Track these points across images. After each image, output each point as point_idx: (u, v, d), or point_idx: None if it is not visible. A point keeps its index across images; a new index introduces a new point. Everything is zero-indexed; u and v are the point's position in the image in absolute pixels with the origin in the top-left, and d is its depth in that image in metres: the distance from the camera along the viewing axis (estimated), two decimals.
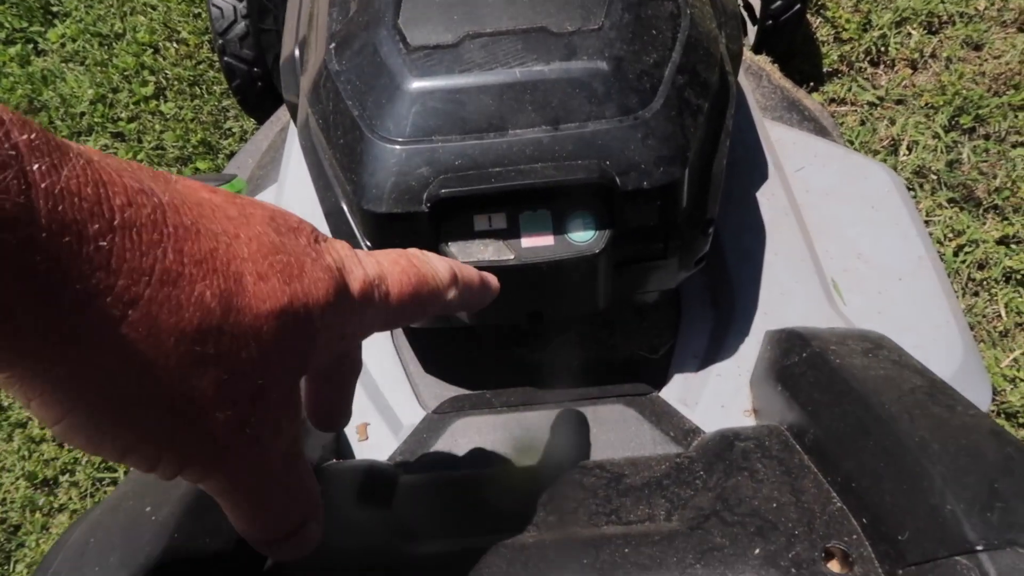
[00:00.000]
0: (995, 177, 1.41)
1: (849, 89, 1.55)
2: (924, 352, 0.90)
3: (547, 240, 0.68)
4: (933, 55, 1.57)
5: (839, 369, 0.67)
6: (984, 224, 1.39)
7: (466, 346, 0.90)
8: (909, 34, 1.59)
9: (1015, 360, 1.27)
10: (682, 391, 0.86)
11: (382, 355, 0.90)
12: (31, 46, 1.74)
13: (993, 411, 1.23)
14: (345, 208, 0.72)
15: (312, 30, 0.83)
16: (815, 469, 0.63)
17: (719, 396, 0.85)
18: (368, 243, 0.70)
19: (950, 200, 1.40)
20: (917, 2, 1.61)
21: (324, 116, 0.72)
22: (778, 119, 1.25)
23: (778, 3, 1.37)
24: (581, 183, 0.64)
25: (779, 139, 1.10)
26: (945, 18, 1.60)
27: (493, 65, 0.66)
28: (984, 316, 1.32)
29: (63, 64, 1.70)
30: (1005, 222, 1.38)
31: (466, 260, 0.67)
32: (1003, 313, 1.31)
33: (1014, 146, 1.45)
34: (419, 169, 0.65)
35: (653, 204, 0.67)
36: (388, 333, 0.91)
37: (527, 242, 0.68)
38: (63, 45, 1.73)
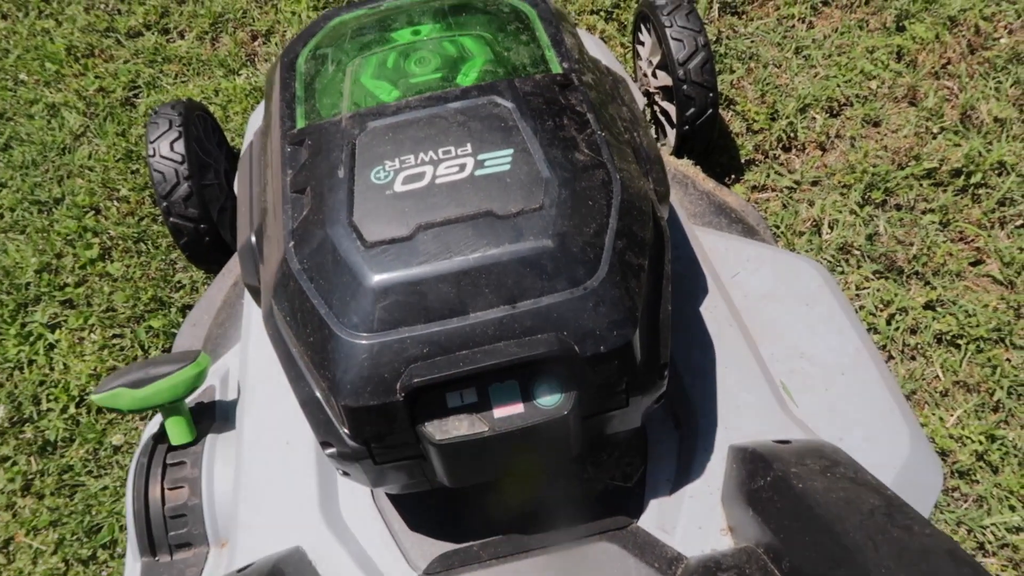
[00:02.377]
0: (911, 245, 1.52)
1: (767, 176, 1.65)
2: (875, 444, 0.96)
3: (517, 408, 0.72)
4: (838, 135, 1.69)
5: (803, 495, 0.72)
6: (909, 291, 1.48)
7: (447, 501, 0.92)
8: (814, 119, 1.72)
9: (959, 419, 1.35)
10: (659, 517, 0.89)
11: (366, 517, 0.91)
12: None
13: (946, 472, 1.30)
14: (320, 398, 0.75)
15: (268, 221, 0.87)
16: None
17: (695, 518, 0.88)
18: (347, 431, 0.73)
19: (875, 272, 1.50)
20: (815, 88, 1.74)
21: (291, 313, 0.75)
22: (708, 224, 1.33)
23: (692, 110, 1.48)
24: (543, 356, 0.69)
25: (712, 247, 1.17)
26: (843, 101, 1.73)
27: (448, 254, 0.71)
28: (923, 379, 1.40)
29: (3, 236, 1.70)
30: (928, 287, 1.48)
31: (442, 438, 0.71)
32: (940, 374, 1.40)
33: (923, 213, 1.56)
34: (390, 361, 0.69)
35: (612, 364, 0.72)
36: (370, 495, 0.93)
37: (499, 412, 0.72)
38: (1, 216, 1.73)
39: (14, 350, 1.53)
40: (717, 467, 0.91)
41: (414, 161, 0.77)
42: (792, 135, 1.70)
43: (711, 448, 0.92)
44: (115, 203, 1.73)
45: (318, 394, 0.75)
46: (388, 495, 0.92)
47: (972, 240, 1.52)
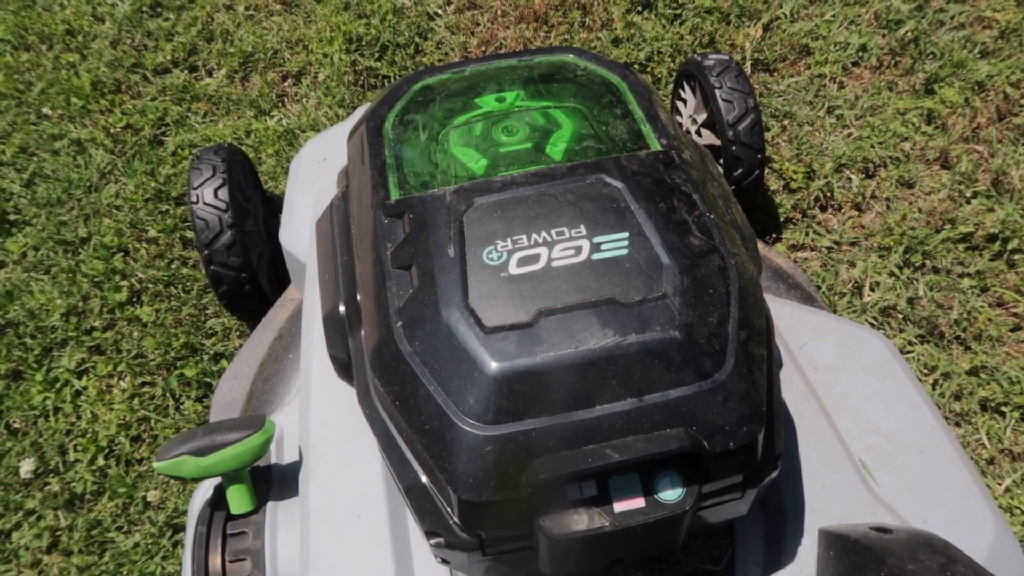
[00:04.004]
0: (951, 309, 1.53)
1: (806, 235, 1.66)
2: (960, 528, 0.95)
3: (638, 503, 0.70)
4: (874, 196, 1.71)
5: None
6: (951, 355, 1.49)
7: None
8: (849, 179, 1.73)
9: (1008, 489, 1.35)
10: None
11: None
12: None
13: None
14: (429, 485, 0.72)
15: (362, 294, 0.84)
16: None
17: None
18: (459, 522, 0.70)
19: (918, 336, 1.51)
20: (850, 148, 1.76)
21: (401, 397, 0.73)
22: (767, 290, 1.33)
23: (740, 171, 1.48)
24: (673, 454, 0.67)
25: (777, 315, 1.17)
26: (878, 162, 1.75)
27: (573, 343, 0.69)
28: (969, 446, 1.40)
29: (27, 275, 1.65)
30: (970, 352, 1.48)
31: (561, 532, 0.68)
32: (986, 442, 1.40)
33: (961, 276, 1.58)
34: (515, 455, 0.67)
35: (737, 459, 0.70)
36: (447, 570, 0.90)
37: (619, 507, 0.69)
38: (24, 255, 1.68)
39: (39, 396, 1.48)
40: (808, 551, 0.89)
41: (527, 242, 0.76)
42: (829, 194, 1.71)
43: (800, 531, 0.91)
44: (144, 245, 1.69)
45: (424, 481, 0.73)
46: None
47: (1011, 306, 1.53)
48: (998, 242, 1.60)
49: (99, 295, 1.60)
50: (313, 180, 1.42)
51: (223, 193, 1.42)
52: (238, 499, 0.96)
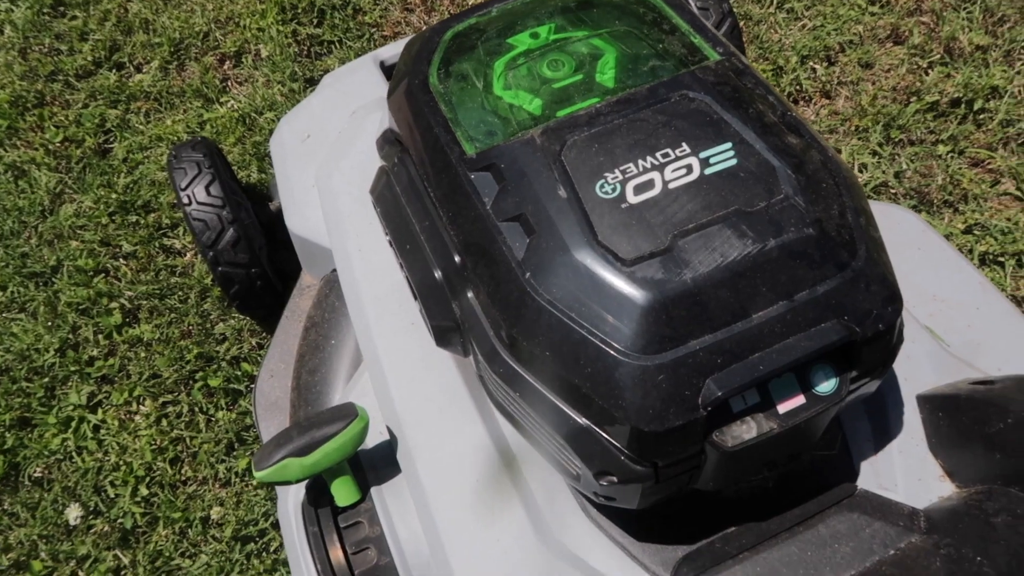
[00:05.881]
0: (935, 176, 1.61)
1: None
2: None
3: (799, 400, 0.71)
4: (840, 82, 1.76)
5: None
6: (944, 219, 1.57)
7: (664, 503, 0.90)
8: (814, 69, 1.78)
9: None
10: (876, 477, 0.91)
11: (588, 537, 0.89)
12: None
13: None
14: (591, 427, 0.72)
15: (469, 254, 0.81)
16: None
17: (911, 471, 0.91)
18: (634, 455, 0.70)
19: (912, 207, 1.58)
20: (808, 39, 1.80)
21: (551, 347, 0.72)
22: None
23: None
24: (836, 345, 0.69)
25: None
26: (836, 48, 1.80)
27: (717, 258, 0.69)
28: None
29: (3, 317, 1.52)
30: (960, 213, 1.57)
31: (735, 444, 0.70)
32: None
33: (935, 144, 1.66)
34: (688, 377, 0.67)
35: (884, 339, 0.73)
36: (581, 513, 0.90)
37: (783, 407, 0.71)
38: None
39: (56, 440, 1.39)
40: (912, 418, 0.93)
41: (636, 169, 0.75)
42: (799, 88, 1.75)
43: (900, 401, 0.95)
44: (123, 261, 1.58)
45: (584, 424, 0.72)
46: (599, 509, 0.90)
47: (987, 163, 1.62)
48: (962, 105, 1.68)
49: (90, 322, 1.50)
50: (306, 159, 1.36)
51: (215, 189, 1.33)
52: (344, 491, 0.94)
